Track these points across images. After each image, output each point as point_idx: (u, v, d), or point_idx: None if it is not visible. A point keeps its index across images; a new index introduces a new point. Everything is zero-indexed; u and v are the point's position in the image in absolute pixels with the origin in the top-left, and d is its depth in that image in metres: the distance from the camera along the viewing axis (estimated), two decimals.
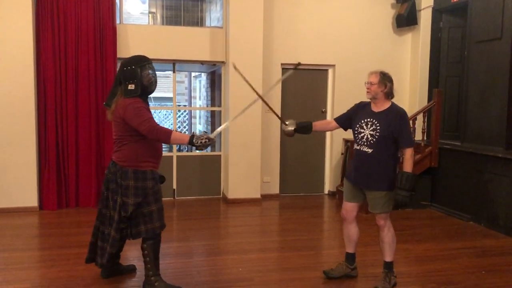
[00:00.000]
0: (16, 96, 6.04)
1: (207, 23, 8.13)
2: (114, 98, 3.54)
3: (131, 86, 3.45)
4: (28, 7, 5.99)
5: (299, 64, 4.09)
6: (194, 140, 3.37)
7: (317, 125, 4.06)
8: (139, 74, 3.47)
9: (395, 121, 3.64)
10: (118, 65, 6.46)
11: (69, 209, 6.32)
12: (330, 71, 7.50)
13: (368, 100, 3.84)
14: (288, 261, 4.40)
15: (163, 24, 7.23)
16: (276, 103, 7.21)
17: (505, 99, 5.69)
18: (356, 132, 3.78)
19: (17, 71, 6.03)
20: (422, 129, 6.60)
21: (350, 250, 4.00)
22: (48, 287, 3.74)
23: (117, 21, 6.52)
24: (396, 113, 3.69)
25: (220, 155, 7.31)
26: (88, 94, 6.31)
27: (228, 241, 5.17)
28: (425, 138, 6.62)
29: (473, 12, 6.24)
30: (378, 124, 3.66)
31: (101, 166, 6.46)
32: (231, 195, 6.86)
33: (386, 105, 3.74)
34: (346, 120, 3.95)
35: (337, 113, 4.32)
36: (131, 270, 4.03)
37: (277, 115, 4.27)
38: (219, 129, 3.79)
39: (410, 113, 7.30)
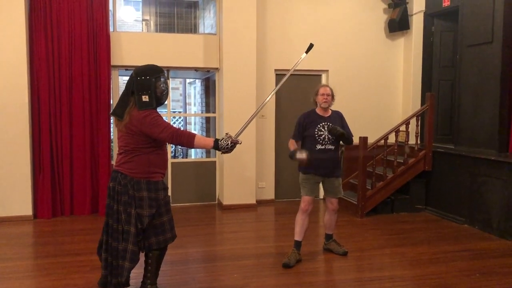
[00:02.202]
0: (10, 103, 6.03)
1: (201, 30, 8.16)
2: (125, 108, 3.39)
3: (145, 98, 3.34)
4: (21, 15, 5.99)
5: (311, 45, 4.44)
6: (219, 144, 3.34)
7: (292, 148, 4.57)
8: (153, 85, 3.37)
9: (341, 121, 4.65)
10: (112, 72, 6.54)
11: (63, 217, 6.30)
12: (324, 76, 7.53)
13: (310, 110, 4.65)
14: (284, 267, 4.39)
15: (156, 31, 7.25)
16: (271, 110, 7.24)
17: (497, 102, 5.74)
18: (316, 135, 4.50)
19: (11, 79, 6.02)
20: (416, 133, 6.63)
21: (300, 238, 4.55)
22: None
23: (111, 29, 6.53)
24: (339, 115, 4.70)
25: (215, 161, 7.32)
26: (82, 102, 6.31)
27: (224, 247, 5.16)
28: (418, 142, 6.65)
29: (464, 16, 6.30)
30: (332, 126, 4.49)
31: (95, 174, 6.45)
32: (226, 201, 6.86)
33: (330, 111, 4.66)
34: (302, 134, 4.59)
35: None
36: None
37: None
38: (240, 130, 3.63)
39: (403, 117, 7.38)
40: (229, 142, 3.36)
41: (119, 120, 3.41)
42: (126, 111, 3.37)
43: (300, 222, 4.54)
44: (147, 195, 3.37)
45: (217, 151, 3.27)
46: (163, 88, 3.43)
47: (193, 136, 3.35)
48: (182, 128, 3.31)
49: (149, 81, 3.36)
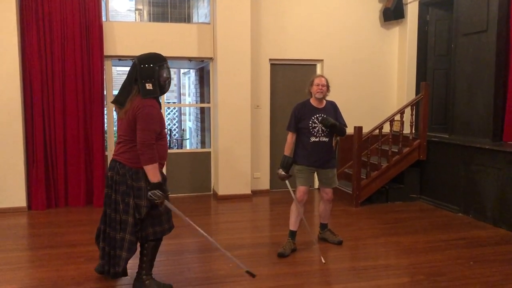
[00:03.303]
0: (2, 96, 5.98)
1: (195, 19, 8.09)
2: (128, 96, 3.37)
3: (149, 86, 3.31)
4: (12, 5, 5.91)
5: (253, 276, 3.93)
6: (154, 191, 3.27)
7: (289, 149, 4.60)
8: (157, 73, 3.35)
9: (335, 112, 4.57)
10: (105, 62, 6.48)
11: (58, 208, 6.28)
12: (319, 66, 7.50)
13: (304, 100, 4.58)
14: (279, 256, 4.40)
15: (150, 21, 7.18)
16: (265, 100, 7.22)
17: (491, 91, 5.75)
18: (310, 127, 4.45)
19: (2, 71, 5.96)
20: (410, 122, 6.64)
21: (295, 228, 4.56)
22: (38, 287, 3.71)
23: (104, 19, 6.47)
24: (333, 105, 4.61)
25: (210, 152, 7.30)
26: (76, 93, 6.26)
27: (219, 237, 5.16)
28: (413, 131, 6.66)
29: (459, 4, 6.27)
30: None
31: (89, 165, 6.43)
32: (222, 191, 6.86)
33: (324, 101, 4.56)
34: (296, 126, 4.53)
35: None
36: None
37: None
38: (178, 213, 3.54)
39: (398, 106, 7.38)
40: (159, 198, 3.28)
41: (120, 108, 3.38)
42: (129, 99, 3.35)
43: (295, 212, 4.54)
44: (146, 185, 3.35)
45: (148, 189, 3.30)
46: (166, 76, 3.42)
47: (153, 161, 3.26)
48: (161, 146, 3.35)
49: (153, 69, 3.34)
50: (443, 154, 6.38)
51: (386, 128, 6.68)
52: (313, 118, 4.45)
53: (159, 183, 3.31)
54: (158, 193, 3.29)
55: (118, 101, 3.40)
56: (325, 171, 4.57)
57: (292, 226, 4.56)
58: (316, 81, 4.48)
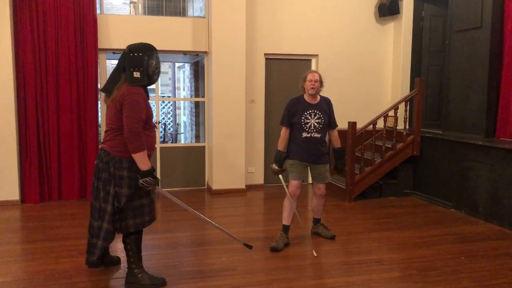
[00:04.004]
0: None
1: (190, 13, 8.07)
2: (115, 84, 3.39)
3: (136, 74, 3.34)
4: None
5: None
6: (145, 178, 3.30)
7: (283, 144, 4.61)
8: (145, 63, 3.36)
9: (328, 108, 4.57)
10: (99, 56, 6.45)
11: (51, 202, 6.26)
12: (313, 61, 7.51)
13: (298, 95, 4.57)
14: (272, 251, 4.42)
15: (145, 14, 7.15)
16: (260, 94, 7.22)
17: (485, 88, 5.77)
18: (302, 123, 4.45)
19: None
20: (404, 118, 6.66)
21: (288, 222, 4.58)
22: (31, 280, 3.71)
23: (98, 11, 6.43)
24: (327, 102, 4.60)
25: (204, 146, 7.30)
26: (69, 86, 6.23)
27: (212, 231, 5.16)
28: (407, 127, 6.69)
29: (454, 1, 6.28)
30: (320, 114, 4.47)
31: (83, 158, 6.41)
32: (216, 186, 6.87)
33: (318, 97, 4.55)
34: (290, 121, 4.53)
35: None
36: (115, 262, 4.00)
37: None
38: (168, 196, 3.60)
39: (392, 102, 7.40)
40: (151, 185, 3.32)
41: (108, 96, 3.40)
42: (116, 87, 3.37)
43: (288, 207, 4.55)
44: (128, 174, 3.36)
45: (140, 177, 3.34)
46: (155, 66, 3.43)
47: (142, 149, 3.29)
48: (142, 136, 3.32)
49: (142, 58, 3.36)
50: (436, 150, 6.41)
51: (380, 124, 6.70)
52: (305, 114, 4.44)
53: (150, 170, 3.32)
54: (149, 180, 3.31)
55: (107, 89, 3.45)
56: (318, 166, 4.57)
57: (285, 220, 4.58)
58: (309, 76, 4.45)
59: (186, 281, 3.71)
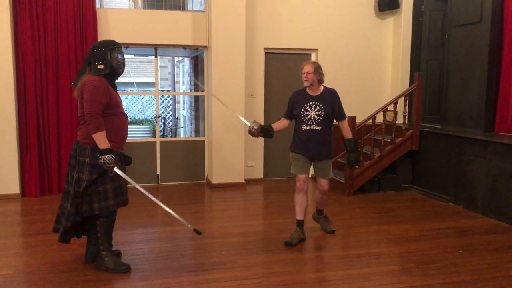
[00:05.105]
0: None
1: (189, 7, 8.04)
2: (80, 78, 3.64)
3: (100, 66, 3.59)
4: None
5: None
6: (103, 156, 3.45)
7: (276, 126, 4.52)
8: (108, 56, 3.61)
9: (332, 100, 4.39)
10: None
11: (51, 195, 6.28)
12: (313, 55, 7.50)
13: (302, 88, 4.47)
14: (271, 244, 4.44)
15: (144, 8, 7.13)
16: (259, 88, 7.23)
17: (484, 83, 5.79)
18: (302, 115, 4.37)
19: None
20: (403, 113, 6.67)
21: (302, 217, 4.48)
22: (31, 273, 3.73)
23: (97, 5, 6.42)
24: (331, 93, 4.43)
25: (204, 140, 7.31)
26: (69, 79, 6.22)
27: (212, 225, 5.20)
28: (406, 121, 6.70)
29: None
30: (321, 105, 4.34)
31: None
32: (215, 180, 6.88)
33: (321, 89, 4.42)
34: (290, 113, 4.49)
35: None
36: (116, 255, 4.02)
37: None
38: (124, 177, 3.68)
39: (391, 96, 7.41)
40: (110, 163, 3.47)
41: (75, 89, 3.64)
42: (80, 78, 3.61)
43: (298, 201, 4.46)
44: (90, 161, 3.55)
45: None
46: (119, 58, 3.67)
47: (100, 129, 3.47)
48: (99, 120, 3.50)
49: (104, 52, 3.61)
50: (435, 145, 6.43)
51: (379, 118, 6.71)
52: (305, 105, 4.36)
53: (109, 148, 3.50)
54: (109, 157, 3.47)
55: (75, 83, 3.69)
56: (318, 161, 4.48)
57: (298, 215, 4.47)
58: (303, 69, 4.38)
59: (186, 274, 3.74)
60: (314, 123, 4.34)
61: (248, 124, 4.49)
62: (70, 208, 3.59)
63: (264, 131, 4.41)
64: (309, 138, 4.38)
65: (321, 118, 4.33)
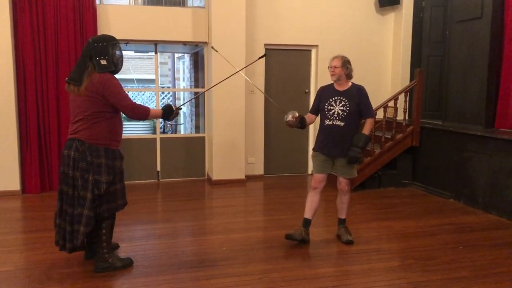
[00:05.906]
0: None
1: (189, 3, 8.02)
2: (83, 73, 3.50)
3: (103, 62, 3.52)
4: None
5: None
6: (167, 116, 3.79)
7: (307, 119, 4.39)
8: (110, 51, 3.56)
9: (359, 96, 4.25)
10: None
11: (52, 192, 6.26)
12: (313, 52, 7.49)
13: (330, 82, 4.37)
14: (272, 240, 4.45)
15: (144, 4, 7.12)
16: (260, 84, 7.21)
17: (485, 79, 5.77)
18: (326, 109, 4.26)
19: None
20: (404, 109, 6.66)
21: (310, 216, 4.36)
22: (32, 270, 3.74)
23: (97, 1, 6.40)
24: (358, 89, 4.30)
25: (204, 137, 7.31)
26: None
27: (213, 221, 5.21)
28: (406, 117, 6.69)
29: None
30: (346, 101, 4.21)
31: None
32: (216, 176, 6.88)
33: (348, 84, 4.31)
34: (316, 108, 4.41)
35: None
36: (114, 248, 4.02)
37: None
38: (185, 102, 3.95)
39: (392, 92, 7.39)
40: (179, 111, 3.87)
41: (76, 85, 3.51)
42: (85, 75, 3.50)
43: (309, 200, 4.36)
44: (105, 162, 3.51)
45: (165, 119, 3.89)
46: (119, 54, 3.65)
47: (148, 110, 3.66)
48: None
49: (107, 47, 3.56)
50: (436, 141, 6.42)
51: (380, 114, 6.69)
52: (330, 100, 4.24)
53: (162, 108, 3.79)
54: (173, 108, 3.81)
55: (74, 79, 3.54)
56: (339, 159, 4.26)
57: (305, 214, 4.36)
58: (331, 63, 4.26)
59: (187, 270, 3.74)
60: (338, 118, 4.20)
61: (289, 116, 4.23)
62: (88, 213, 3.46)
63: (302, 122, 4.27)
64: (330, 133, 4.23)
65: (345, 113, 4.18)
